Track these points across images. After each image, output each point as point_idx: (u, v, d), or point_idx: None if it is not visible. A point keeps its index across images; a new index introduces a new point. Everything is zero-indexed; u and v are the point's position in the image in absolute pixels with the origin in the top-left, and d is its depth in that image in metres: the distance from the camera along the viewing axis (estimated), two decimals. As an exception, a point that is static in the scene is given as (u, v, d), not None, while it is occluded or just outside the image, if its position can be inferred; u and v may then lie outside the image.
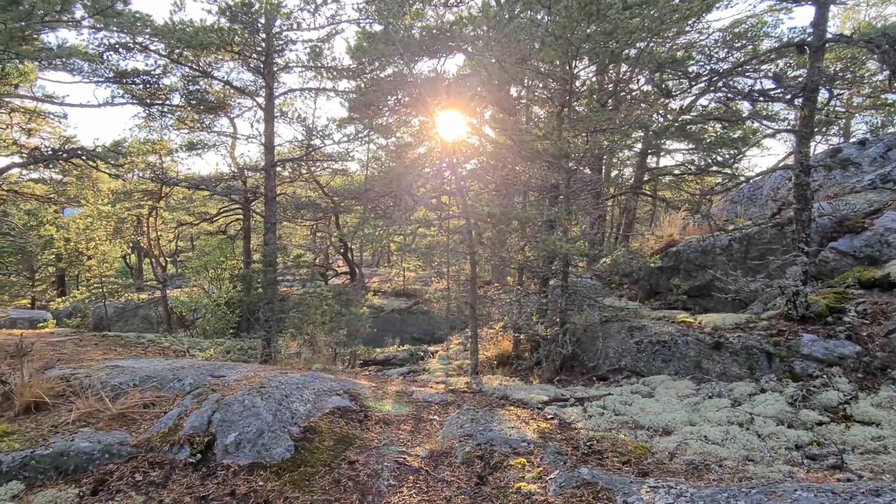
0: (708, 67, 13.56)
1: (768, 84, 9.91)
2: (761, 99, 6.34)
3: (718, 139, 8.34)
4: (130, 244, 30.36)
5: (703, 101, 16.28)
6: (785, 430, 4.85)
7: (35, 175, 22.49)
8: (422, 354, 10.75)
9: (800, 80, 8.95)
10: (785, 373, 5.95)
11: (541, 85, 11.74)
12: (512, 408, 5.96)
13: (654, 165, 19.93)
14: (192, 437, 4.77)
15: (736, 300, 8.23)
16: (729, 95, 6.96)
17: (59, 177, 20.81)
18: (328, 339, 12.27)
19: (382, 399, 6.28)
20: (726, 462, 4.37)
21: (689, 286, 9.12)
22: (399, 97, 16.71)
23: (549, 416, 5.64)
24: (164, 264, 22.00)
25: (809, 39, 6.15)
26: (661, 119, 12.37)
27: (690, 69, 12.09)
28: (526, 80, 12.13)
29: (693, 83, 7.09)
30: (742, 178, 7.72)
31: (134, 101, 14.07)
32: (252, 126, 26.21)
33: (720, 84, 6.81)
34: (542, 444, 4.81)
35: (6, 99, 13.46)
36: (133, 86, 13.48)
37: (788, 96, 5.94)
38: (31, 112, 14.43)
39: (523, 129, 6.88)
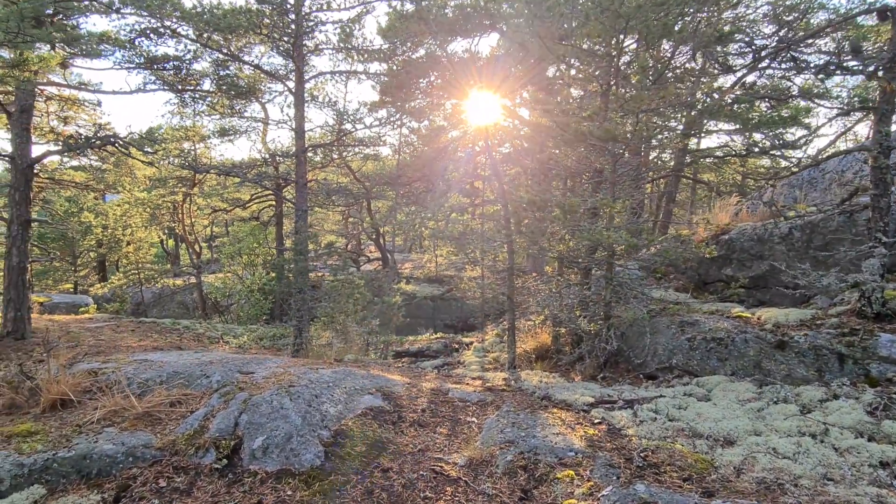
0: (756, 42, 12.70)
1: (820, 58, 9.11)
2: (837, 72, 5.70)
3: (768, 119, 7.68)
4: (167, 230, 30.83)
5: (748, 79, 15.33)
6: (866, 444, 4.33)
7: (75, 163, 22.88)
8: (456, 346, 10.42)
9: (870, 50, 8.17)
10: (859, 376, 5.39)
11: (578, 63, 11.12)
12: (555, 410, 5.56)
13: (693, 147, 19.05)
14: (218, 440, 4.52)
15: (796, 293, 7.61)
16: (800, 65, 6.30)
17: (99, 164, 21.08)
18: (360, 329, 12.05)
19: (417, 398, 5.95)
20: (802, 481, 3.90)
21: (743, 277, 8.51)
22: (431, 79, 16.26)
23: (596, 421, 5.22)
24: (198, 250, 22.16)
25: (893, 4, 5.48)
26: (706, 97, 11.60)
27: (742, 42, 11.32)
28: (566, 60, 11.50)
29: (758, 55, 6.46)
30: (809, 160, 7.06)
31: (165, 88, 13.97)
32: (282, 111, 25.92)
33: (785, 56, 6.17)
34: (591, 455, 4.41)
35: (40, 87, 13.50)
36: (164, 71, 13.36)
37: (871, 68, 5.29)
38: (66, 99, 14.49)
39: (566, 109, 6.39)
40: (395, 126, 15.02)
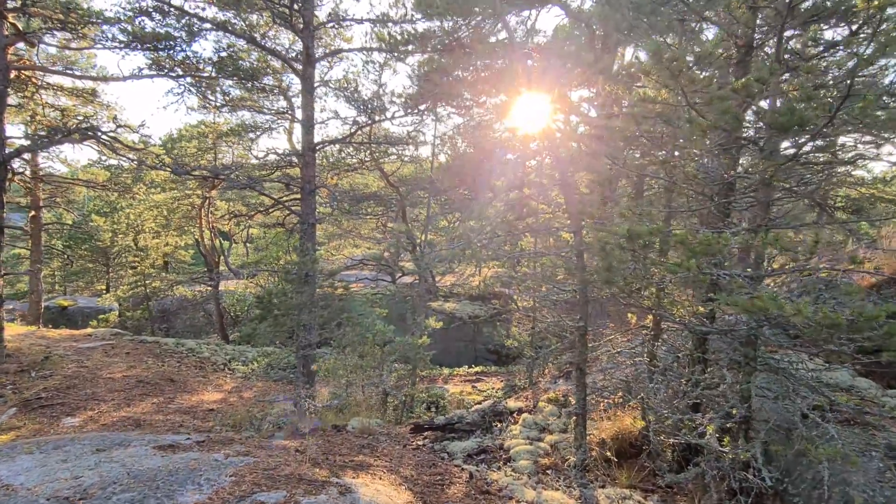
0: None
1: None
2: None
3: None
4: (204, 230, 29.26)
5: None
6: None
7: (114, 161, 21.35)
8: (499, 418, 7.66)
9: None
10: None
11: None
12: None
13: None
14: None
15: None
16: None
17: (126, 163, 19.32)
18: (376, 376, 9.48)
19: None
20: None
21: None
22: (477, 65, 13.60)
23: None
24: (216, 260, 20.18)
25: None
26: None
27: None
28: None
29: None
30: None
31: (162, 74, 11.79)
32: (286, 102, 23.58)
33: None
34: None
35: (17, 69, 11.53)
36: (158, 52, 11.18)
37: None
38: (47, 87, 12.53)
39: (703, 82, 3.62)
40: (431, 120, 12.38)
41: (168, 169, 10.06)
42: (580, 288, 5.28)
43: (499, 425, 7.32)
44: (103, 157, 21.78)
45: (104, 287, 32.28)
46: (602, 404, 6.38)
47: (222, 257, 24.19)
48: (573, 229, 5.71)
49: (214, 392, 12.40)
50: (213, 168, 10.72)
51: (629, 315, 7.12)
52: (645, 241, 3.89)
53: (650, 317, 6.39)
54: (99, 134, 11.23)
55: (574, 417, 5.82)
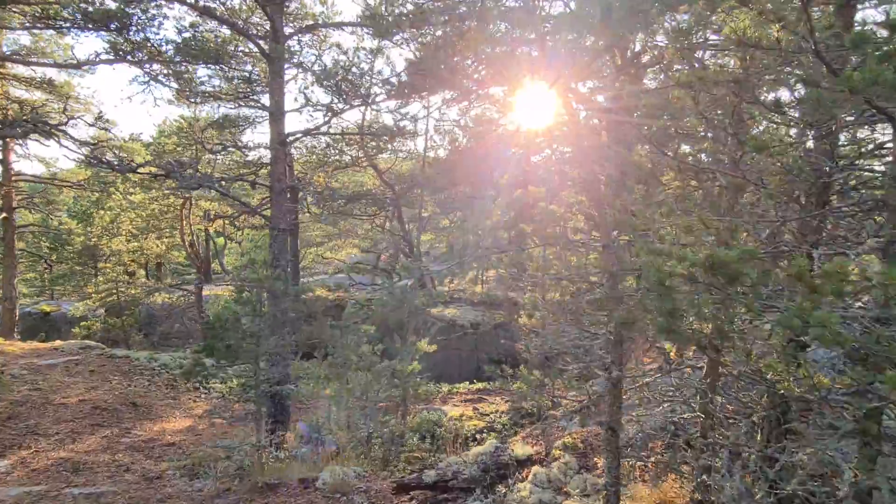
0: None
1: None
2: None
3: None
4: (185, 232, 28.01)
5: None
6: None
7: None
8: (502, 469, 6.22)
9: None
10: None
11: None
12: None
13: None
14: None
15: None
16: None
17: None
18: (359, 408, 8.09)
19: None
20: None
21: None
22: (480, 51, 12.18)
23: None
24: (201, 262, 18.82)
25: None
26: None
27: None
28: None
29: None
30: None
31: (121, 59, 10.40)
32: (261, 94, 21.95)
33: None
34: None
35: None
36: (111, 32, 9.79)
37: None
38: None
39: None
40: (423, 106, 10.94)
41: (104, 165, 8.64)
42: (615, 326, 3.85)
43: (503, 488, 5.86)
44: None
45: (93, 291, 31.09)
46: (637, 467, 4.94)
47: (217, 259, 22.88)
48: (603, 243, 4.28)
49: (182, 418, 11.01)
50: (164, 165, 9.31)
51: (668, 346, 5.69)
52: (733, 274, 2.45)
53: (708, 365, 4.93)
54: (48, 128, 9.82)
55: (604, 493, 4.39)
